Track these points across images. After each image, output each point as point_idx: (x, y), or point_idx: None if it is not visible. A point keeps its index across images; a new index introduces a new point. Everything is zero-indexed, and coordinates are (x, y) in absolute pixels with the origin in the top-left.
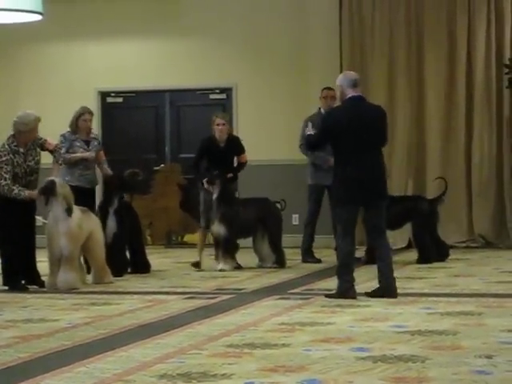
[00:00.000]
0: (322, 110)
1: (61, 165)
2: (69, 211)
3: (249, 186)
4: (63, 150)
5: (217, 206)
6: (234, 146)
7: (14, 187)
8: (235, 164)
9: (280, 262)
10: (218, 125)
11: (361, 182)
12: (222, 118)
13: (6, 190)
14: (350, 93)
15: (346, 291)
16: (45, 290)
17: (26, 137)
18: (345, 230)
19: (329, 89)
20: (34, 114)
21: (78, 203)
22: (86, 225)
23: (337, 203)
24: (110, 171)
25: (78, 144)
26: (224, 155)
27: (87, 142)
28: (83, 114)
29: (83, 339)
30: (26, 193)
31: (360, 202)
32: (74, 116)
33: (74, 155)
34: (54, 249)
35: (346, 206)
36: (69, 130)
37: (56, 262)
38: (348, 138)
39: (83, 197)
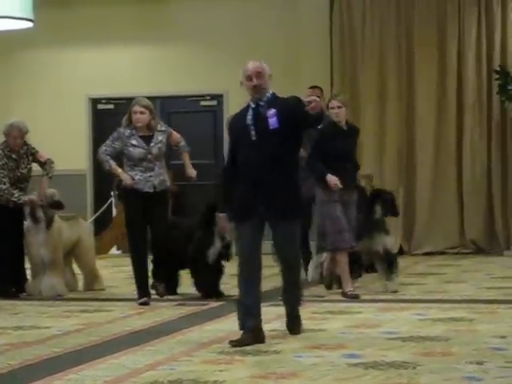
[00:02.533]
0: None
1: (50, 178)
2: (48, 224)
3: None
4: (108, 144)
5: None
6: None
7: (15, 191)
8: None
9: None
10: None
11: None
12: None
13: (7, 193)
14: None
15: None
16: (37, 296)
17: (10, 142)
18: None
19: (313, 88)
20: (18, 122)
21: (130, 210)
22: (71, 232)
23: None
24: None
25: (134, 142)
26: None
27: (148, 138)
28: (133, 105)
29: (74, 346)
30: (26, 198)
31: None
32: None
33: (114, 168)
34: (34, 257)
35: None
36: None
37: (37, 268)
38: None
39: (142, 202)
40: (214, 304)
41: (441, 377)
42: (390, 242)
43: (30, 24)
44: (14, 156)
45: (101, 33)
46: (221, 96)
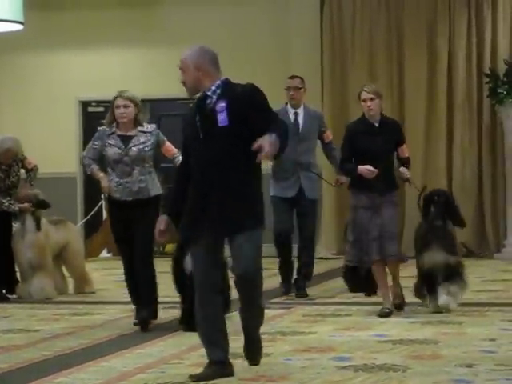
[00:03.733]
0: (288, 105)
1: (31, 185)
2: (38, 226)
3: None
4: (90, 146)
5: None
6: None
7: (5, 200)
8: None
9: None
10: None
11: None
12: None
13: None
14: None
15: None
16: (27, 299)
17: (0, 159)
18: None
19: (292, 78)
20: (12, 145)
21: (112, 222)
22: (59, 235)
23: None
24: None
25: (112, 141)
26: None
27: (128, 138)
28: (115, 99)
29: (64, 349)
30: (16, 207)
31: None
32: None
33: (95, 173)
34: (22, 260)
35: None
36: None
37: (26, 271)
38: None
39: (123, 213)
40: None
41: (430, 379)
42: (454, 257)
43: (20, 26)
44: (3, 167)
45: (91, 36)
46: None
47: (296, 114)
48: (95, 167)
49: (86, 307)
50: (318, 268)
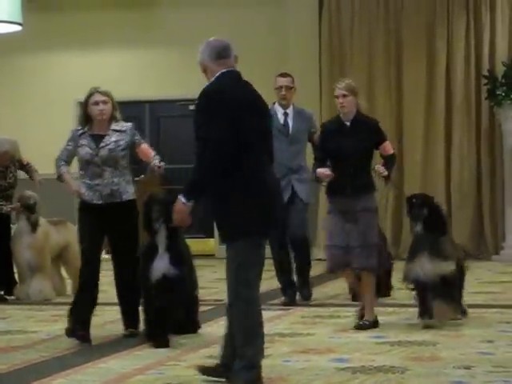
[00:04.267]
0: (276, 105)
1: (40, 182)
2: (33, 227)
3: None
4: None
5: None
6: None
7: None
8: None
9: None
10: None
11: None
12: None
13: None
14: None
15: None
16: (25, 300)
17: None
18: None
19: (283, 75)
20: (6, 142)
21: (84, 223)
22: (59, 236)
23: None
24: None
25: (84, 141)
26: None
27: (98, 138)
28: (91, 95)
29: (62, 351)
30: (9, 207)
31: None
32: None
33: (62, 175)
34: (20, 261)
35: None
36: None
37: (24, 273)
38: None
39: (95, 218)
40: (202, 308)
41: (429, 381)
42: (442, 267)
43: (18, 28)
44: (0, 168)
45: (89, 37)
46: None
47: (286, 114)
48: (64, 169)
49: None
50: (316, 270)
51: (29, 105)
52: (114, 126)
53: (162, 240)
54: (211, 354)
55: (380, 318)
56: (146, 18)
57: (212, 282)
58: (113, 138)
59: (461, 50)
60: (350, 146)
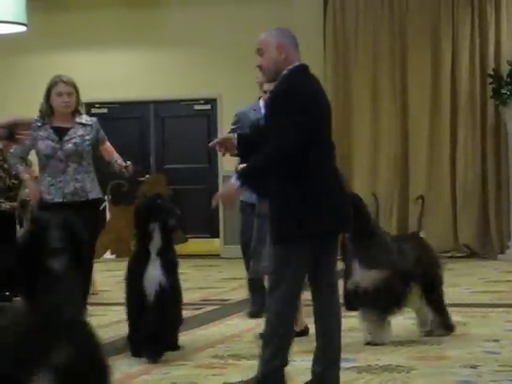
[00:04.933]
0: (261, 100)
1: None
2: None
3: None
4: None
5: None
6: None
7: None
8: None
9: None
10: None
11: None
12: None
13: None
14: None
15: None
16: None
17: (4, 155)
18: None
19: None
20: None
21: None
22: None
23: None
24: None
25: (44, 134)
26: None
27: (64, 131)
28: (55, 84)
29: None
30: (7, 205)
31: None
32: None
33: (21, 174)
34: None
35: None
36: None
37: None
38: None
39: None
40: (208, 308)
41: (435, 380)
42: (369, 276)
43: (23, 28)
44: (5, 166)
45: (94, 37)
46: (214, 100)
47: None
48: (21, 167)
49: (90, 308)
50: None
51: (35, 105)
52: (78, 119)
53: (155, 245)
54: (216, 353)
55: None
56: (151, 18)
57: (218, 282)
58: (79, 132)
59: (466, 50)
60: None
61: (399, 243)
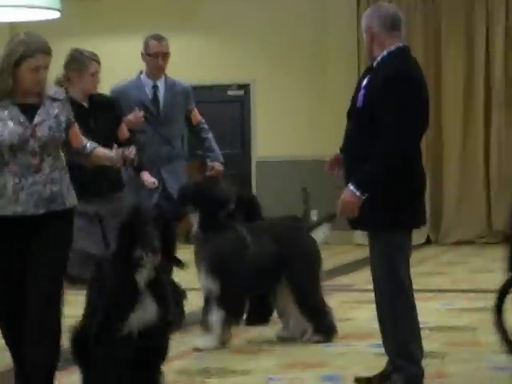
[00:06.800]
0: (143, 76)
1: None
2: None
3: (268, 185)
4: None
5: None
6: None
7: None
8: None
9: (322, 331)
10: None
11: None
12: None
13: None
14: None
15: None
16: None
17: None
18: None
19: (158, 39)
20: None
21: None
22: None
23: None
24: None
25: (4, 114)
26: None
27: (29, 110)
28: (32, 54)
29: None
30: None
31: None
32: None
33: None
34: None
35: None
36: None
37: None
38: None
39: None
40: None
41: (469, 366)
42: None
43: (57, 14)
44: None
45: (127, 23)
46: (248, 85)
47: (155, 87)
48: None
49: None
50: (357, 254)
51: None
52: (47, 93)
53: (144, 274)
54: (251, 338)
55: (419, 304)
56: (185, 3)
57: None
58: (52, 110)
59: (500, 34)
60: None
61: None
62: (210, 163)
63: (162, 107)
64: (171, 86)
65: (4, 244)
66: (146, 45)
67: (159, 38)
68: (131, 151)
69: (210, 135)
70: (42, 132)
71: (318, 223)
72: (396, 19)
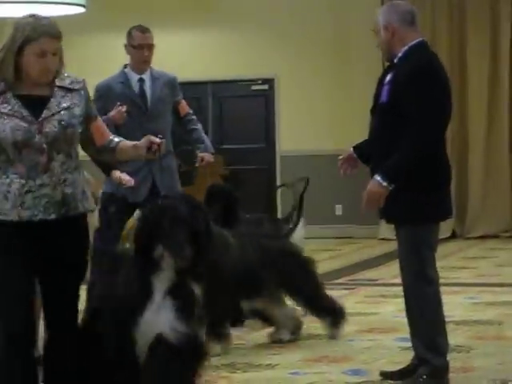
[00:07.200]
0: (128, 69)
1: None
2: None
3: (292, 178)
4: None
5: None
6: None
7: None
8: None
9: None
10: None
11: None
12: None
13: None
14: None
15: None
16: None
17: None
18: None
19: (142, 31)
20: None
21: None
22: None
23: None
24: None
25: (7, 109)
26: None
27: (37, 102)
28: (38, 38)
29: None
30: None
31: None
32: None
33: None
34: None
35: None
36: None
37: None
38: None
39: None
40: None
41: (494, 360)
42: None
43: (82, 9)
44: None
45: (152, 17)
46: (272, 80)
47: (141, 80)
48: None
49: None
50: (381, 249)
51: (92, 87)
52: (59, 82)
53: (163, 278)
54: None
55: (445, 297)
56: None
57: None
58: (64, 103)
59: None
60: None
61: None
62: (200, 154)
63: (150, 101)
64: (157, 78)
65: (11, 255)
66: (130, 36)
67: (143, 30)
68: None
69: (199, 126)
70: (51, 127)
71: (295, 225)
72: (414, 14)
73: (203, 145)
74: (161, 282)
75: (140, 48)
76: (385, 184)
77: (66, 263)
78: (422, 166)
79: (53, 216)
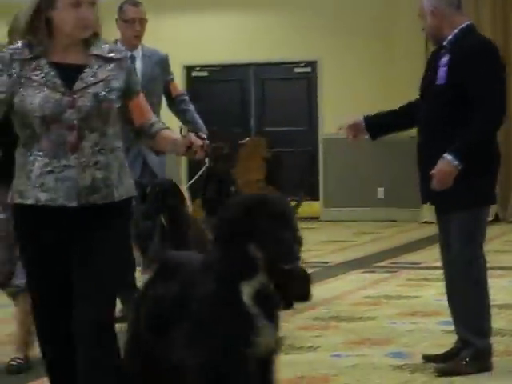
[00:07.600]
0: (118, 45)
1: None
2: None
3: (334, 162)
4: None
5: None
6: None
7: None
8: None
9: None
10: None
11: None
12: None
13: None
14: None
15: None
16: None
17: None
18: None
19: (134, 4)
20: None
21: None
22: None
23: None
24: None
25: (37, 76)
26: None
27: (70, 72)
28: None
29: None
30: None
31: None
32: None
33: None
34: None
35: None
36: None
37: None
38: None
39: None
40: (308, 270)
41: None
42: None
43: None
44: None
45: (195, 0)
46: (315, 63)
47: (132, 58)
48: None
49: None
50: (423, 232)
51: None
52: (96, 50)
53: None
54: (318, 315)
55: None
56: None
57: (317, 245)
58: (101, 74)
59: None
60: None
61: None
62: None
63: (141, 79)
64: (149, 56)
65: (46, 236)
66: (121, 11)
67: (135, 3)
68: (200, 139)
69: (192, 107)
70: (84, 100)
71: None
72: None
73: (197, 125)
74: (249, 289)
75: (132, 22)
76: (456, 163)
77: (99, 261)
78: (485, 148)
79: (74, 203)
